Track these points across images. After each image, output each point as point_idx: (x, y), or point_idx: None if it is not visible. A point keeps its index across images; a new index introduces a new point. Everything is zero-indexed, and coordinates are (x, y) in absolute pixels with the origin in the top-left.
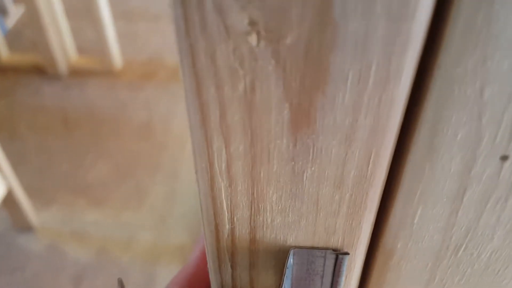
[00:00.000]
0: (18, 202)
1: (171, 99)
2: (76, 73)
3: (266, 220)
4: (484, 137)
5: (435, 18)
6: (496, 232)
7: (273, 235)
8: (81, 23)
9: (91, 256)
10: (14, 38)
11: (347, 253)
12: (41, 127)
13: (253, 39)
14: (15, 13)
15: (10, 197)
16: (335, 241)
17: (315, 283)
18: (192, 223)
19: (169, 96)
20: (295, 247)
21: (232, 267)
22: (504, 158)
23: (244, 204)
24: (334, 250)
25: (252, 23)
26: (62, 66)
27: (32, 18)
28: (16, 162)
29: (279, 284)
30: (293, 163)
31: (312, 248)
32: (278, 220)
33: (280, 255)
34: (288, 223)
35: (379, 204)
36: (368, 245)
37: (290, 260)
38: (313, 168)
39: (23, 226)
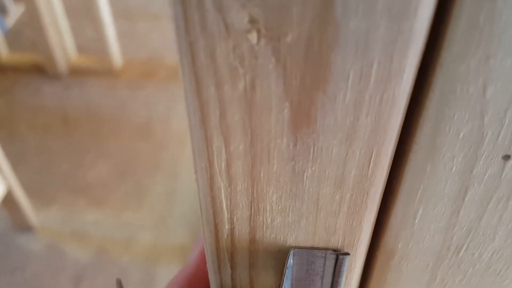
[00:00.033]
0: (18, 202)
1: (171, 99)
2: (76, 72)
3: (266, 220)
4: (486, 136)
5: (437, 16)
6: (497, 232)
7: (273, 235)
8: (81, 22)
9: (91, 256)
10: (14, 38)
11: (347, 253)
12: (41, 126)
13: (253, 37)
14: (15, 12)
15: (9, 197)
16: (335, 241)
17: (315, 283)
18: (192, 223)
19: (169, 95)
20: (295, 247)
21: (231, 267)
22: (506, 157)
23: (243, 204)
24: (335, 250)
25: (252, 21)
26: (62, 65)
27: (32, 17)
28: (16, 162)
29: (279, 285)
30: (293, 162)
31: (312, 248)
32: (278, 220)
33: (280, 255)
34: (288, 223)
35: (380, 204)
36: (368, 245)
37: (290, 261)
38: (313, 168)
39: (23, 226)
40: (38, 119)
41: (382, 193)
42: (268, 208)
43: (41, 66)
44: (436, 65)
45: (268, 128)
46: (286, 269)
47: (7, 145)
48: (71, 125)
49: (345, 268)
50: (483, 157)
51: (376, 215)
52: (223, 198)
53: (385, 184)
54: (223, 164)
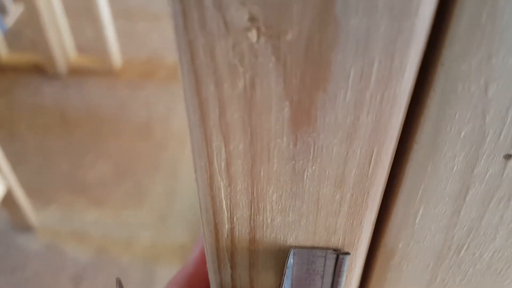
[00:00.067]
0: (18, 202)
1: (171, 99)
2: (76, 72)
3: (266, 219)
4: (487, 135)
5: (438, 14)
6: (498, 232)
7: (273, 234)
8: (81, 22)
9: (91, 255)
10: (13, 37)
11: (347, 253)
12: (41, 126)
13: (253, 35)
14: (14, 12)
15: (9, 197)
16: (335, 241)
17: (315, 283)
18: (192, 222)
19: (169, 95)
20: (295, 247)
21: (231, 267)
22: (507, 156)
23: (243, 203)
24: (335, 250)
25: (252, 19)
26: (61, 65)
27: (32, 17)
28: (16, 162)
29: (279, 284)
30: (293, 162)
31: (313, 248)
32: (278, 220)
33: (280, 255)
34: (288, 223)
35: (380, 203)
36: (369, 244)
37: (290, 260)
38: (313, 167)
39: (23, 226)
40: (38, 119)
41: (383, 193)
42: (268, 207)
43: (40, 66)
44: (437, 64)
45: (268, 127)
46: (286, 269)
47: (7, 145)
48: (71, 125)
49: (345, 268)
50: (484, 156)
51: (377, 215)
52: (223, 197)
53: (386, 183)
54: (223, 163)
